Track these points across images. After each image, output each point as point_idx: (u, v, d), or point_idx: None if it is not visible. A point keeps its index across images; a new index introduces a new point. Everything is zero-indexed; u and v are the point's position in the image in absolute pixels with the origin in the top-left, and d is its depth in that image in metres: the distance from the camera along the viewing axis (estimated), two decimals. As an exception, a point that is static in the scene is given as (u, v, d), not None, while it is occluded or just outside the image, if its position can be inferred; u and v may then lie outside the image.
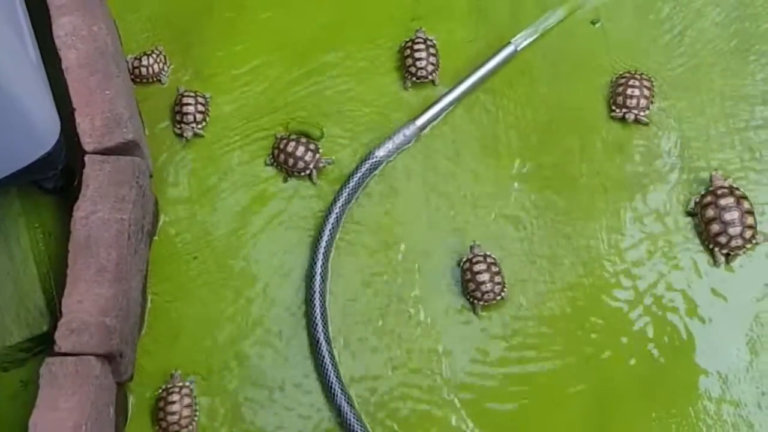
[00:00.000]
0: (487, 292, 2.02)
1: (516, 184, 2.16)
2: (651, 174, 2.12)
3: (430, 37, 2.31)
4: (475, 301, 2.04)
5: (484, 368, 2.01)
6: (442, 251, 2.11)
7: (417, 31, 2.33)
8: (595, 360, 1.98)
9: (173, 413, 1.98)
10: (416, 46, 2.28)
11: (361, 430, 1.94)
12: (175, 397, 2.00)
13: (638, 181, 2.12)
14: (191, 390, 2.02)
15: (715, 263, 2.01)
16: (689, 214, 2.07)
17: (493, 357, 2.01)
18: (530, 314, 2.03)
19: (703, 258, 2.03)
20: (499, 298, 2.03)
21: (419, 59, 2.26)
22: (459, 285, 2.08)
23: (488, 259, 2.05)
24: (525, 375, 1.99)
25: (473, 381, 1.99)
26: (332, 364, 2.01)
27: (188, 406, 2.00)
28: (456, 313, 2.07)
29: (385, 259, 2.12)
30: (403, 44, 2.32)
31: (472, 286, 2.03)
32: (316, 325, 2.05)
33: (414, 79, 2.27)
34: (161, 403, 2.00)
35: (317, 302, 2.07)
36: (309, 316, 2.07)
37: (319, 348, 2.03)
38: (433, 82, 2.29)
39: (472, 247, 2.09)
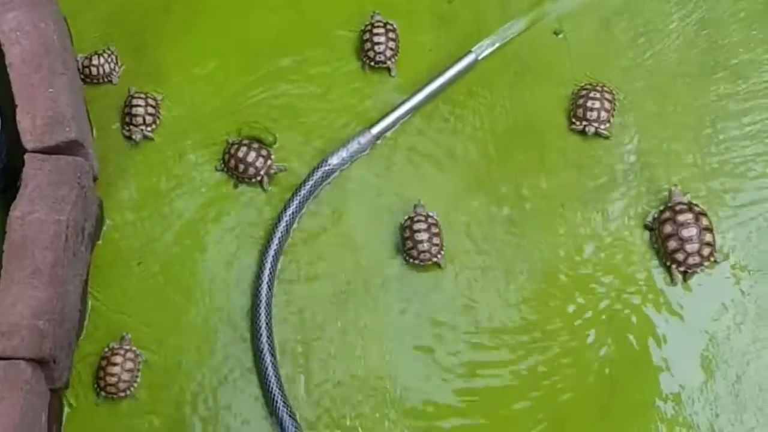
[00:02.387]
0: (423, 251, 1.99)
1: (471, 196, 2.10)
2: (609, 188, 2.07)
3: (390, 21, 2.26)
4: (411, 260, 2.01)
5: (433, 382, 1.94)
6: (393, 262, 2.05)
7: (373, 14, 2.28)
8: (546, 377, 1.92)
9: (113, 374, 1.94)
10: (375, 30, 2.23)
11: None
12: (119, 359, 1.96)
13: (597, 195, 2.07)
14: (136, 356, 1.98)
15: (672, 281, 1.96)
16: (647, 228, 2.01)
17: (443, 370, 1.95)
18: (482, 327, 1.97)
19: (660, 275, 1.98)
20: (435, 259, 2.00)
21: (378, 43, 2.21)
22: (408, 292, 2.02)
23: (429, 220, 2.02)
24: (473, 389, 1.93)
25: (420, 398, 1.93)
26: (275, 375, 1.94)
27: (130, 371, 1.95)
28: (411, 316, 2.01)
29: (334, 270, 2.06)
30: (363, 27, 2.27)
31: (410, 245, 2.00)
32: (261, 334, 1.99)
33: (372, 63, 2.23)
34: (104, 362, 1.96)
35: (263, 312, 2.00)
36: (254, 325, 2.00)
37: (263, 358, 1.96)
38: (389, 70, 2.24)
39: (415, 206, 2.06)
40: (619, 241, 2.02)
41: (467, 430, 1.90)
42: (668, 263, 1.95)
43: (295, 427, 1.89)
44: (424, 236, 1.99)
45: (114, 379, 1.94)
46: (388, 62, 2.23)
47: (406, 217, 2.05)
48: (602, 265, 2.00)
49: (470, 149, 2.15)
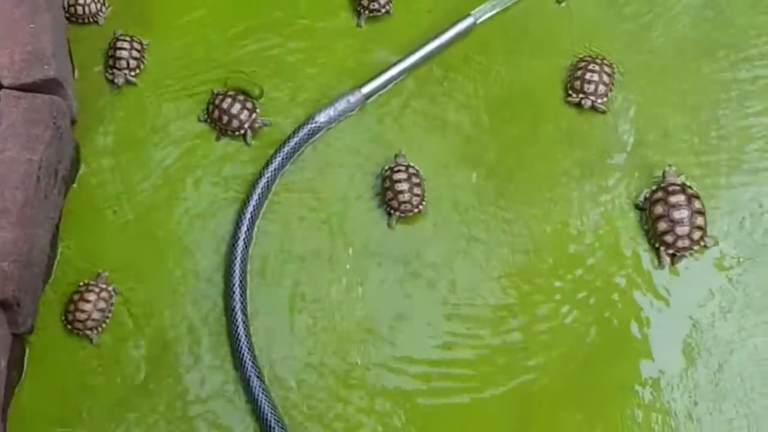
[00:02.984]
0: (404, 202, 1.94)
1: (460, 164, 2.04)
2: (602, 164, 2.01)
3: (387, -24, 2.19)
4: (392, 211, 1.96)
5: (406, 348, 1.89)
6: (376, 224, 1.99)
7: None
8: (522, 353, 1.86)
9: (83, 311, 1.89)
10: (370, -22, 2.16)
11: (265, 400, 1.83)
12: (92, 297, 1.90)
13: (588, 171, 2.01)
14: (111, 296, 1.93)
15: (660, 263, 1.90)
16: (638, 208, 1.95)
17: (417, 338, 1.89)
18: (460, 300, 1.91)
19: (648, 257, 1.92)
20: (416, 210, 1.96)
21: (373, -12, 2.14)
22: (389, 259, 1.96)
23: (410, 170, 1.97)
24: (446, 361, 1.87)
25: (394, 366, 1.87)
26: (246, 333, 1.89)
27: (101, 310, 1.90)
28: (390, 284, 1.95)
29: (315, 229, 2.00)
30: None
31: (390, 195, 1.95)
32: (234, 292, 1.93)
33: (367, 12, 2.17)
34: (76, 296, 1.91)
35: (237, 269, 1.94)
36: (227, 282, 1.94)
37: (234, 316, 1.91)
38: (387, 12, 2.18)
39: (396, 156, 2.01)
40: (608, 219, 1.96)
41: (436, 404, 1.85)
42: (657, 245, 1.90)
43: (263, 389, 1.84)
44: (404, 186, 1.94)
45: (83, 316, 1.89)
46: (383, 9, 2.16)
47: (386, 167, 1.99)
48: (589, 244, 1.94)
49: (462, 116, 2.09)
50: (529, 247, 1.95)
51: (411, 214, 1.96)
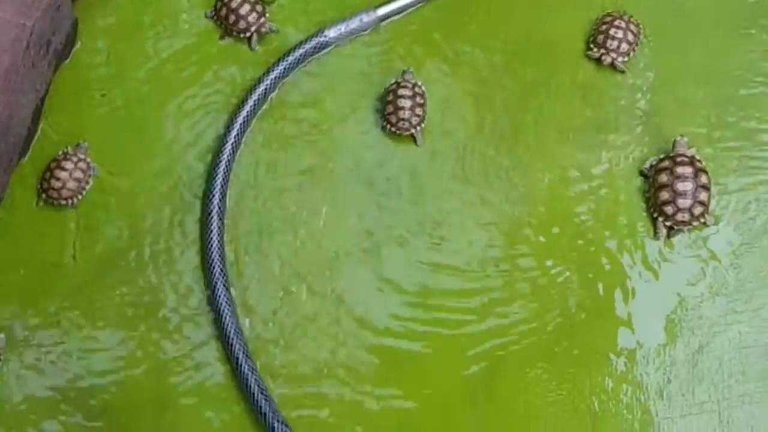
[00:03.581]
0: (402, 119, 1.88)
1: (466, 102, 1.96)
2: (612, 125, 1.93)
3: None
4: (389, 126, 1.90)
5: (381, 297, 1.82)
6: (372, 149, 1.93)
7: None
8: (500, 302, 1.80)
9: (59, 179, 1.83)
10: None
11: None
12: (69, 165, 1.85)
13: (597, 129, 1.93)
14: (89, 167, 1.88)
15: (655, 235, 1.83)
16: (642, 175, 1.88)
17: (402, 291, 1.83)
18: (444, 238, 1.84)
19: (644, 226, 1.85)
20: (412, 131, 1.89)
21: None
22: (379, 182, 1.90)
23: (416, 89, 1.91)
24: (423, 293, 1.81)
25: (365, 313, 1.81)
26: (219, 245, 1.82)
27: (77, 180, 1.85)
28: (374, 207, 1.88)
29: (308, 145, 1.93)
30: None
31: (390, 109, 1.89)
32: (213, 196, 1.86)
33: None
34: (53, 164, 1.85)
35: (220, 175, 1.87)
36: (208, 187, 1.87)
37: (210, 221, 1.84)
38: None
39: (404, 72, 1.95)
40: (609, 181, 1.88)
41: (416, 357, 1.78)
42: (655, 215, 1.82)
43: (228, 302, 1.77)
44: (406, 103, 1.88)
45: (59, 184, 1.83)
46: None
47: (392, 81, 1.92)
48: (585, 203, 1.87)
49: (477, 54, 2.01)
50: (524, 198, 1.88)
51: (406, 133, 1.90)
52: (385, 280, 1.82)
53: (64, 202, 1.84)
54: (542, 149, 1.91)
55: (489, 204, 1.87)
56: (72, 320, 1.79)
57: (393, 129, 1.89)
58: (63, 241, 1.85)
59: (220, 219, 1.84)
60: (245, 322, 1.78)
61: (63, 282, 1.82)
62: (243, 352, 1.73)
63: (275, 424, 1.67)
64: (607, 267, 1.81)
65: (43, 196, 1.85)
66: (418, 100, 1.90)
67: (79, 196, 1.85)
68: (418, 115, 1.89)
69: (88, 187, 1.86)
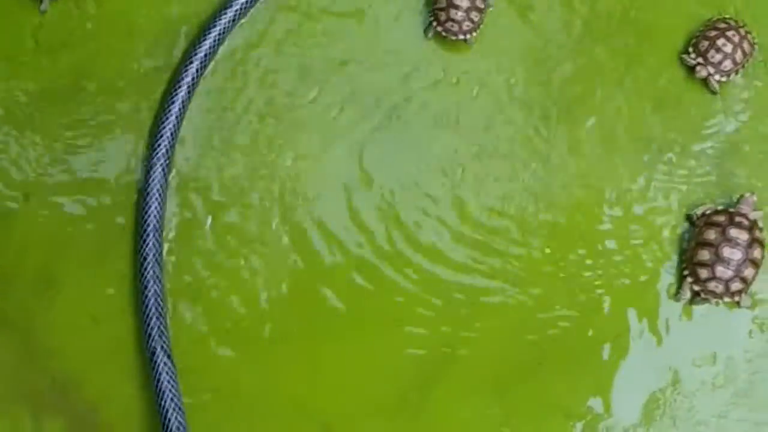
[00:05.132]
0: (454, 20, 1.60)
1: (522, 62, 1.63)
2: (678, 150, 1.59)
3: None
4: (435, 25, 1.62)
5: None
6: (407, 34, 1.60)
7: None
8: (481, 291, 1.49)
9: None
10: None
11: None
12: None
13: (657, 147, 1.58)
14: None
15: (677, 295, 1.51)
16: (688, 220, 1.54)
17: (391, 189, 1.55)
18: (454, 184, 1.57)
19: (667, 277, 1.52)
20: (462, 36, 1.61)
21: None
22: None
23: None
24: (410, 237, 1.54)
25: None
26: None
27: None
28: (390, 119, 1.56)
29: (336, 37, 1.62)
30: None
31: (442, 4, 1.60)
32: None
33: None
34: None
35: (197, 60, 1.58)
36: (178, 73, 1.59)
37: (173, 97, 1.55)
38: None
39: None
40: (648, 213, 1.55)
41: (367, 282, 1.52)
42: (686, 273, 1.50)
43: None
44: (464, 3, 1.58)
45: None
46: None
47: None
48: (612, 224, 1.54)
49: (555, 11, 1.67)
50: (547, 192, 1.55)
51: (453, 38, 1.61)
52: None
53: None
54: (585, 148, 1.58)
55: (500, 182, 1.55)
56: None
57: (439, 29, 1.61)
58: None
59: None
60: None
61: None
62: None
63: None
64: (607, 311, 1.51)
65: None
66: (479, 4, 1.60)
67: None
68: (473, 22, 1.60)
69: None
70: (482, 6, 1.61)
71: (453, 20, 1.59)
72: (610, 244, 1.54)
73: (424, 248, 1.53)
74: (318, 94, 1.61)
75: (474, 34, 1.61)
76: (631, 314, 1.50)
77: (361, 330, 1.50)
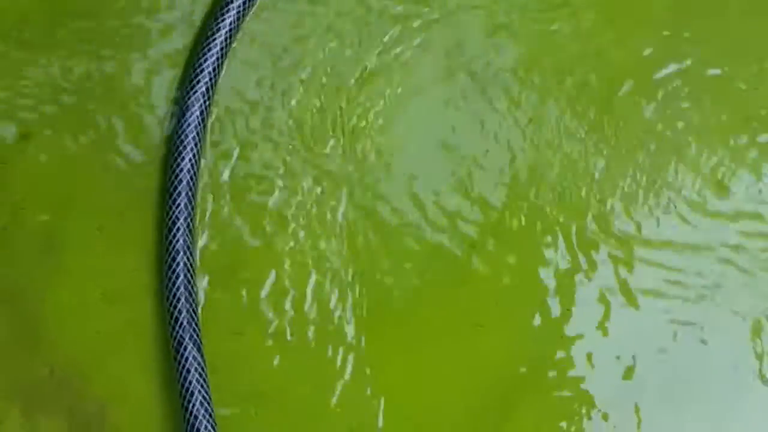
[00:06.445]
0: None
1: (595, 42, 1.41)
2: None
3: None
4: None
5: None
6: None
7: None
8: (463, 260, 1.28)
9: None
10: None
11: None
12: None
13: (731, 171, 1.38)
14: None
15: None
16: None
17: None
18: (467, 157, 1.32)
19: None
20: None
21: None
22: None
23: None
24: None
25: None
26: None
27: None
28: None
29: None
30: None
31: None
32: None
33: None
34: None
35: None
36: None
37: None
38: None
39: None
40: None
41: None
42: None
43: None
44: None
45: None
46: None
47: None
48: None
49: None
50: (566, 186, 1.34)
51: None
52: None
53: None
54: (647, 146, 1.38)
55: (525, 176, 1.34)
56: None
57: None
58: None
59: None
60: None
61: None
62: None
63: None
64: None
65: None
66: None
67: None
68: None
69: None
70: None
71: None
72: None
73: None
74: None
75: None
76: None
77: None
